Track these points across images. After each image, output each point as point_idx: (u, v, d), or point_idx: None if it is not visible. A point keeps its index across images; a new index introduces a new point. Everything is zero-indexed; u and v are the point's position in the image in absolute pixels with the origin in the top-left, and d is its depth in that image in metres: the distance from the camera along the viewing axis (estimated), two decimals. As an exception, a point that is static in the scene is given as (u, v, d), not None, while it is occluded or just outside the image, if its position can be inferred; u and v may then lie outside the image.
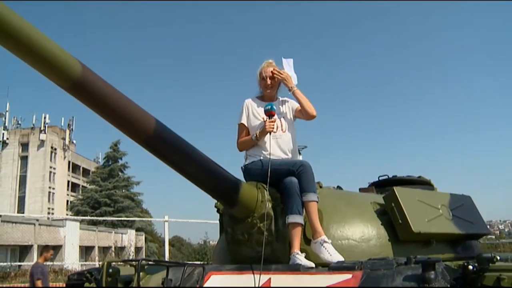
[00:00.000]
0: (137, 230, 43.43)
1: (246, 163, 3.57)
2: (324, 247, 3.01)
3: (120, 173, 45.20)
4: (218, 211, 3.69)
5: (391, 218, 3.34)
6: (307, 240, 3.19)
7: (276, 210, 3.26)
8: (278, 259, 3.10)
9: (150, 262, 3.22)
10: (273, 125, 3.43)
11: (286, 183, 3.24)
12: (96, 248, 37.53)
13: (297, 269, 2.82)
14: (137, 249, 39.39)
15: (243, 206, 3.14)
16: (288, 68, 3.69)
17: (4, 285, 10.30)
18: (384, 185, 4.54)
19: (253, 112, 3.66)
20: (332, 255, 2.96)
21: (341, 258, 2.94)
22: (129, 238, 40.61)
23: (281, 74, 3.62)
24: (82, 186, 59.41)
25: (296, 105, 3.74)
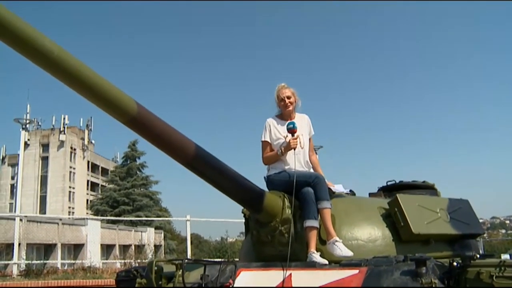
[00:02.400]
0: (156, 228, 44.18)
1: (269, 174, 4.09)
2: (336, 245, 3.54)
3: (138, 172, 45.96)
4: (244, 216, 4.22)
5: (394, 221, 3.85)
6: (322, 241, 3.70)
7: (295, 215, 3.78)
8: (297, 257, 3.60)
9: (190, 261, 3.75)
10: (296, 141, 3.91)
11: (304, 192, 3.76)
12: (117, 246, 38.43)
13: (313, 265, 3.35)
14: (156, 247, 40.11)
15: (267, 212, 3.67)
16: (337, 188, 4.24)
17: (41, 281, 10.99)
18: (391, 190, 5.02)
19: (274, 130, 4.14)
20: (342, 250, 3.49)
21: (351, 253, 3.46)
22: (149, 236, 41.43)
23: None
24: (101, 185, 60.51)
25: (311, 127, 4.29)
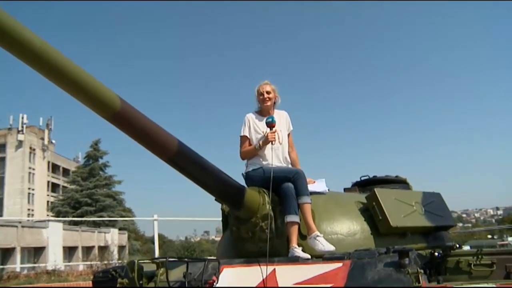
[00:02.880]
0: (120, 229, 43.49)
1: (248, 170, 4.08)
2: (317, 240, 3.57)
3: (101, 172, 45.06)
4: (222, 213, 4.20)
5: (372, 214, 3.92)
6: (302, 236, 3.72)
7: (275, 211, 3.79)
8: (278, 252, 3.61)
9: (174, 259, 3.70)
10: (275, 135, 3.93)
11: (284, 188, 3.78)
12: (80, 248, 37.56)
13: (297, 260, 3.37)
14: (120, 248, 39.41)
15: (248, 208, 3.66)
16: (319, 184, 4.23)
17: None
18: (365, 185, 5.13)
19: (253, 125, 4.15)
20: (324, 245, 3.52)
21: (333, 248, 3.49)
22: (112, 237, 40.70)
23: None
24: (63, 186, 58.96)
25: (289, 123, 4.30)
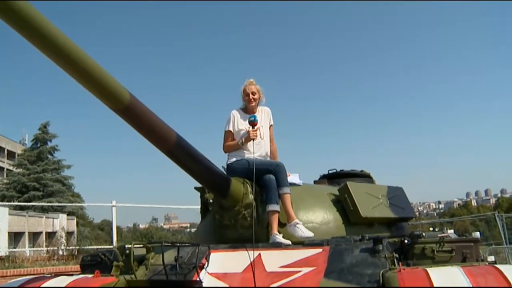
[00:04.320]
0: (69, 214, 42.40)
1: (230, 161, 4.35)
2: (297, 227, 3.91)
3: (49, 156, 43.60)
4: (206, 200, 4.45)
5: (344, 205, 4.30)
6: (281, 224, 4.05)
7: (257, 200, 4.09)
8: (258, 239, 3.92)
9: (168, 244, 3.88)
10: (256, 133, 4.24)
11: (266, 179, 4.09)
12: (26, 234, 36.38)
13: (279, 245, 3.68)
14: (69, 234, 38.39)
15: (232, 197, 3.94)
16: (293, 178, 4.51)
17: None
18: (333, 178, 5.53)
19: (238, 122, 4.43)
20: (304, 232, 3.86)
21: (312, 234, 3.83)
22: (61, 223, 39.64)
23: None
24: (7, 169, 56.54)
25: (271, 118, 4.60)
